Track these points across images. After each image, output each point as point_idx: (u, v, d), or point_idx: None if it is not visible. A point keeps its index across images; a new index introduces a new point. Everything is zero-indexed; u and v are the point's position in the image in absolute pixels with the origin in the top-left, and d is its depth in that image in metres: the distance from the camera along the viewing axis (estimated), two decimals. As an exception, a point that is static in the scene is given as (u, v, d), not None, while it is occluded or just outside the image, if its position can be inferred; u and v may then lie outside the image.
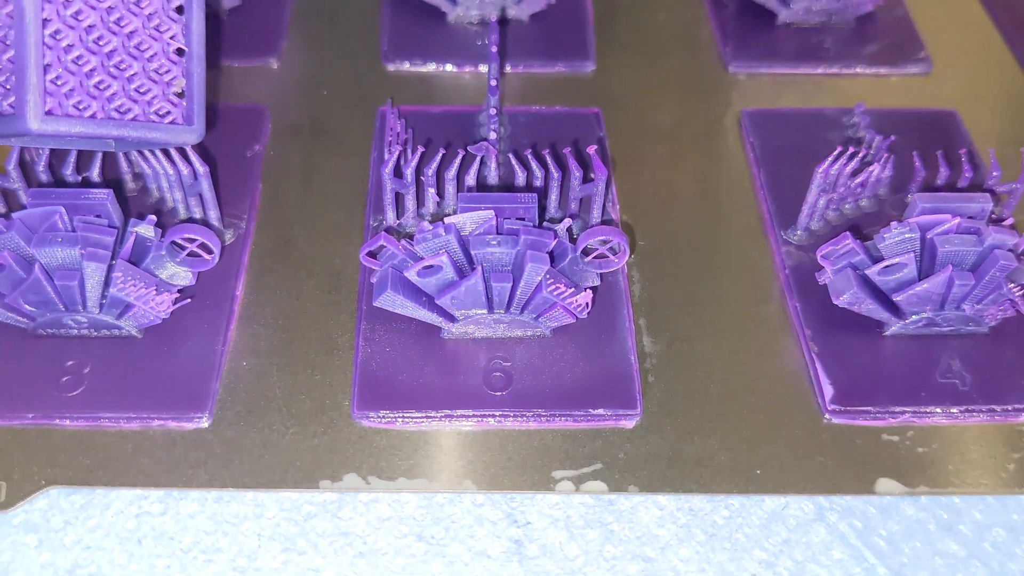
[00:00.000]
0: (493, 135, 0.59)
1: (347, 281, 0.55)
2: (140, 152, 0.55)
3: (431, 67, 0.68)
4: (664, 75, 0.69)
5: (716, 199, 0.61)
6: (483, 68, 0.67)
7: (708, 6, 0.74)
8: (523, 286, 0.49)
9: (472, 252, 0.49)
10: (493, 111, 0.59)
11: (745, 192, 0.61)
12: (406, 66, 0.68)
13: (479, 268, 0.49)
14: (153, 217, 0.51)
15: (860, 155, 0.57)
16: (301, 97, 0.66)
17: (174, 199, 0.56)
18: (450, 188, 0.57)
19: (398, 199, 0.56)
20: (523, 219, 0.51)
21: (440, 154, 0.56)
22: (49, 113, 0.47)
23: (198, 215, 0.56)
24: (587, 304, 0.51)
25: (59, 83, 0.47)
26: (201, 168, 0.53)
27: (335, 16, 0.72)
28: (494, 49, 0.60)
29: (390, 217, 0.56)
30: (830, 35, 0.71)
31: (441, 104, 0.65)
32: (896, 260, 0.50)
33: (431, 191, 0.56)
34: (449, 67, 0.68)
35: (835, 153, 0.55)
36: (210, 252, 0.52)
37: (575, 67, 0.68)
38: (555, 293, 0.50)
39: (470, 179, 0.57)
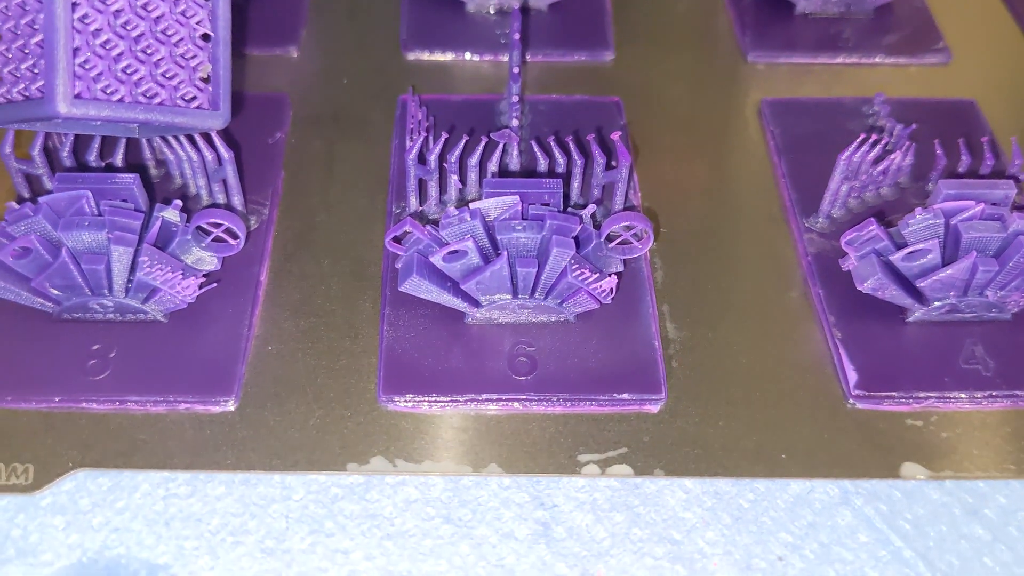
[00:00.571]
0: (515, 122, 0.59)
1: (370, 266, 0.55)
2: (164, 138, 0.55)
3: (450, 56, 0.68)
4: (683, 64, 0.69)
5: (737, 187, 0.61)
6: (503, 57, 0.68)
7: (726, -3, 0.74)
8: (548, 271, 0.49)
9: (497, 237, 0.50)
10: (515, 99, 0.59)
11: (766, 180, 0.61)
12: (426, 55, 0.68)
13: (504, 253, 0.49)
14: (179, 202, 0.51)
15: (882, 143, 0.57)
16: (321, 85, 0.66)
17: (197, 185, 0.56)
18: (472, 175, 0.57)
19: (421, 185, 0.56)
20: (548, 204, 0.51)
21: (463, 141, 0.56)
22: (78, 97, 0.47)
23: (222, 201, 0.56)
24: (611, 289, 0.51)
25: (87, 67, 0.48)
26: (226, 154, 0.53)
27: (354, 5, 0.72)
28: (516, 37, 0.60)
29: (413, 203, 0.56)
30: (848, 25, 0.71)
31: (461, 92, 0.66)
32: (920, 246, 0.50)
33: (454, 178, 0.56)
34: (468, 56, 0.68)
35: (857, 141, 0.55)
36: (235, 237, 0.52)
37: (594, 56, 0.69)
38: (580, 278, 0.50)
39: (492, 166, 0.57)
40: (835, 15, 0.72)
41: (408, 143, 0.60)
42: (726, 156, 0.63)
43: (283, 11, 0.70)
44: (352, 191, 0.59)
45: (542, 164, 0.58)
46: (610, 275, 0.51)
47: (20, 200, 0.55)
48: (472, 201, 0.57)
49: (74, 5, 0.47)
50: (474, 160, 0.57)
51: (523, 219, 0.51)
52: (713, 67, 0.69)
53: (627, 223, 0.51)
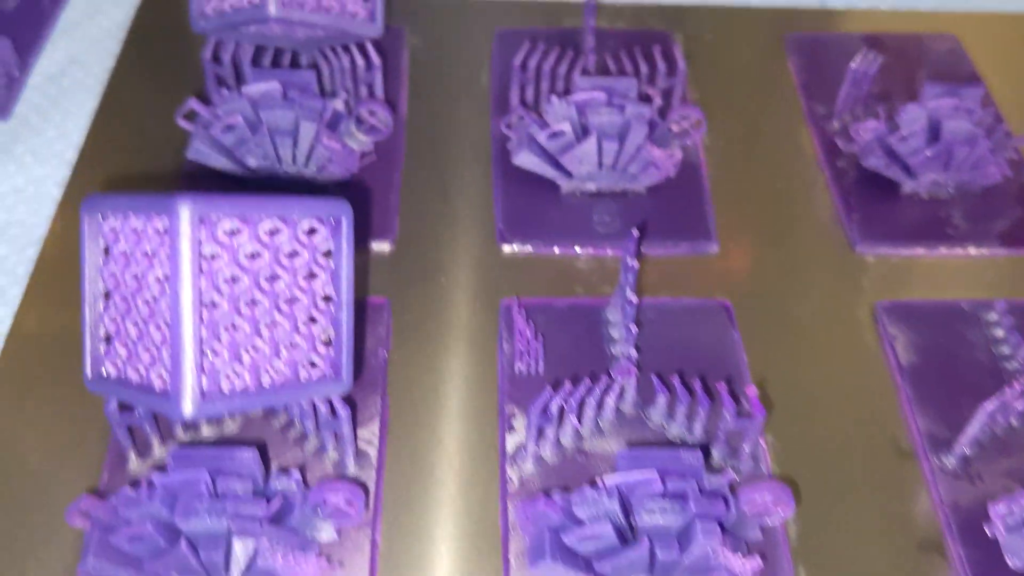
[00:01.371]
0: (633, 353, 0.56)
1: (488, 523, 0.53)
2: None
3: (549, 249, 0.65)
4: (790, 257, 0.66)
5: (861, 411, 0.58)
6: (605, 251, 0.65)
7: (828, 173, 0.71)
8: (690, 556, 0.47)
9: (637, 524, 0.47)
10: (632, 328, 0.56)
11: (889, 402, 0.58)
12: (523, 247, 0.65)
13: (645, 540, 0.47)
14: (296, 472, 0.49)
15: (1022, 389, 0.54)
16: (419, 286, 0.63)
17: (305, 427, 0.53)
18: (589, 412, 0.55)
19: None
20: (686, 476, 0.49)
21: (584, 386, 0.54)
22: (204, 396, 0.44)
23: (330, 444, 0.53)
24: (753, 571, 0.48)
25: (211, 356, 0.45)
26: (343, 412, 0.51)
27: (446, 194, 0.68)
28: (634, 264, 0.57)
29: (531, 449, 0.54)
30: (957, 209, 0.68)
31: (563, 289, 0.63)
32: (1075, 522, 0.48)
33: (572, 417, 0.54)
34: (568, 247, 0.65)
35: (999, 394, 0.53)
36: (353, 506, 0.49)
37: (698, 249, 0.66)
38: (722, 561, 0.47)
39: (611, 400, 0.55)
40: (943, 197, 0.69)
41: (517, 363, 0.58)
42: (845, 370, 0.60)
43: (375, 201, 0.67)
44: (460, 420, 0.57)
45: (661, 402, 0.55)
46: (754, 555, 0.48)
47: (124, 456, 0.53)
48: (586, 438, 0.55)
49: (199, 290, 0.44)
50: (592, 401, 0.54)
51: (662, 495, 0.48)
52: (821, 260, 0.66)
53: (767, 492, 0.49)
